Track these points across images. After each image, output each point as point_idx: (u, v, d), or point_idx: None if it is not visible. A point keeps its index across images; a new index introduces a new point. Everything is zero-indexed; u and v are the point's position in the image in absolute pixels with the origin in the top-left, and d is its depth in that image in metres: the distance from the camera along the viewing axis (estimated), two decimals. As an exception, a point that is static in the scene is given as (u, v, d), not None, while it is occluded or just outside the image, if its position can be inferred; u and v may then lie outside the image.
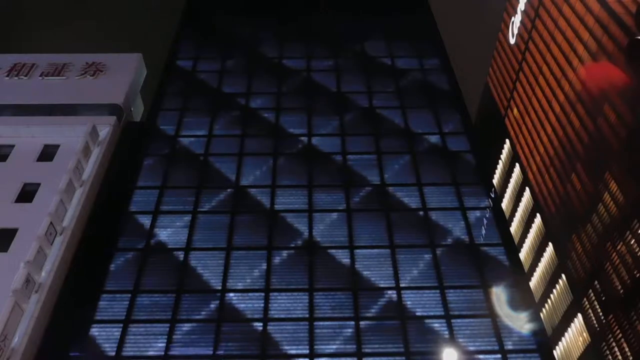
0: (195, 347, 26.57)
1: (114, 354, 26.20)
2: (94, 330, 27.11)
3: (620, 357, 24.59)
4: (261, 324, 27.34)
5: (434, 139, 38.07)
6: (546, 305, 31.76)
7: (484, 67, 47.01)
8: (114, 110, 38.75)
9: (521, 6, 39.19)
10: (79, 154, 34.15)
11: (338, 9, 52.87)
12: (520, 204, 36.74)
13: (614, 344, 25.10)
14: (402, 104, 40.99)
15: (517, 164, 37.70)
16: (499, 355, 26.12)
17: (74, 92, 39.59)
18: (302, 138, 38.06)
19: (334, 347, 26.50)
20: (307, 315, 27.63)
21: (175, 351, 26.38)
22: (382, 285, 28.94)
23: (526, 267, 34.40)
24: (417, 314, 27.69)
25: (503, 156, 40.68)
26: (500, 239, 31.42)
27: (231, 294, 28.61)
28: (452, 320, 27.35)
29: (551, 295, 31.31)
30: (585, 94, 29.50)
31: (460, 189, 34.24)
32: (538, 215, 33.80)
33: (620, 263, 24.94)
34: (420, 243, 31.01)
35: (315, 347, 26.43)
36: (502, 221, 32.90)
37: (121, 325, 27.26)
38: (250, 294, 28.65)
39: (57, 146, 35.85)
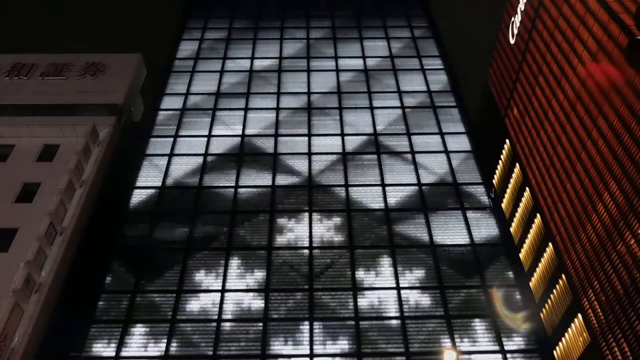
0: (195, 347, 26.58)
1: (114, 354, 26.22)
2: (94, 330, 27.11)
3: (620, 357, 24.57)
4: (261, 324, 27.35)
5: (434, 138, 38.09)
6: (546, 305, 31.71)
7: (484, 67, 47.03)
8: (114, 110, 38.72)
9: (521, 6, 39.16)
10: (79, 154, 34.16)
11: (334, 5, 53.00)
12: (520, 204, 36.70)
13: (614, 344, 25.07)
14: (402, 104, 41.03)
15: (517, 164, 37.69)
16: (499, 355, 26.14)
17: (74, 92, 39.55)
18: (303, 138, 38.05)
19: (334, 347, 26.49)
20: (307, 315, 27.65)
21: (175, 351, 26.38)
22: (382, 286, 28.94)
23: (526, 267, 34.38)
24: (417, 314, 27.69)
25: (503, 156, 40.65)
26: (500, 239, 31.49)
27: (231, 294, 28.61)
28: (452, 320, 27.36)
29: (551, 295, 31.26)
30: (585, 94, 29.51)
31: (460, 189, 34.30)
32: (538, 215, 33.79)
33: (620, 263, 24.92)
34: (420, 243, 31.04)
35: (315, 347, 26.42)
36: (502, 221, 32.94)
37: (121, 325, 27.27)
38: (250, 293, 28.66)
39: (57, 146, 35.84)
